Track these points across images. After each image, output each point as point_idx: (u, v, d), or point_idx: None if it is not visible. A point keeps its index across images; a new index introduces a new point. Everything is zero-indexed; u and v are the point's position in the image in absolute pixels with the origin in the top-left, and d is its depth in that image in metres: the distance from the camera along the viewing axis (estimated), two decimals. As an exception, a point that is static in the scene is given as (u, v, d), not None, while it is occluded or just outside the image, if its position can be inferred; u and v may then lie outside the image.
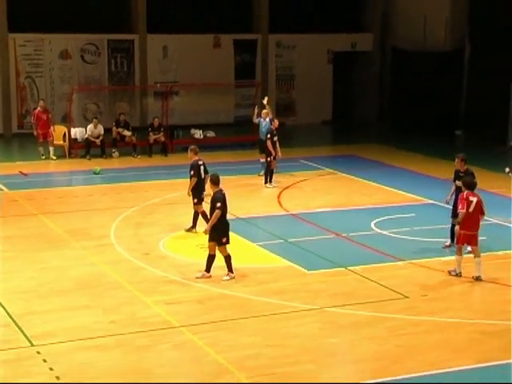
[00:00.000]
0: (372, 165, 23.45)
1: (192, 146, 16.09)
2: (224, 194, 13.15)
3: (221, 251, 13.11)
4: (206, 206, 14.77)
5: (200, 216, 15.67)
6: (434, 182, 21.00)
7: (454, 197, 14.63)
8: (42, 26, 27.51)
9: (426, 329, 11.30)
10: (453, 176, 14.88)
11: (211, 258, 13.13)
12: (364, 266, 13.97)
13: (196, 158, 15.68)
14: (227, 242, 13.09)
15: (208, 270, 13.16)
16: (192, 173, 15.48)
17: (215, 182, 13.26)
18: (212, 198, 13.22)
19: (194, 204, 15.68)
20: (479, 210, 13.22)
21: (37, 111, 24.18)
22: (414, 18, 29.70)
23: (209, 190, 14.00)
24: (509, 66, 26.19)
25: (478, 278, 13.12)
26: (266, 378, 9.68)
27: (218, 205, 12.93)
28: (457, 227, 13.40)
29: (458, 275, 13.24)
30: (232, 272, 13.18)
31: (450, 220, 14.73)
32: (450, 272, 13.40)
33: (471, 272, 13.33)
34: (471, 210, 13.13)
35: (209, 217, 13.58)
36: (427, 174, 21.98)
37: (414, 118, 29.32)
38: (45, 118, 23.92)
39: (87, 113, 28.05)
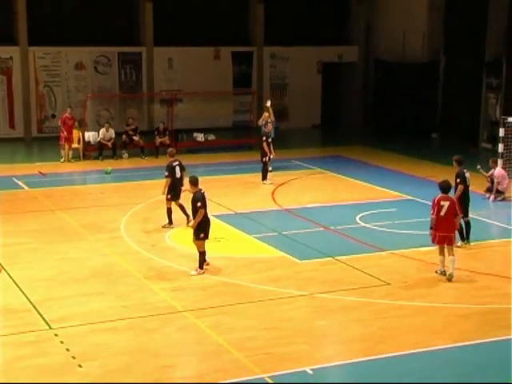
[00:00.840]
0: (357, 165, 23.40)
1: (168, 149, 16.34)
2: (203, 194, 12.83)
3: (197, 246, 12.82)
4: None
5: (166, 211, 15.66)
6: (412, 180, 20.99)
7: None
8: (59, 40, 27.43)
9: (407, 312, 11.29)
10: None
11: (202, 256, 12.86)
12: (350, 255, 13.94)
13: (172, 159, 15.66)
14: (205, 237, 12.77)
15: (201, 266, 12.87)
16: (166, 174, 15.39)
17: (194, 183, 12.96)
18: (192, 199, 12.94)
19: (167, 200, 15.60)
20: (452, 212, 12.71)
21: (64, 116, 24.05)
22: (395, 32, 29.64)
23: (187, 186, 13.72)
24: (479, 75, 26.18)
25: (449, 276, 12.62)
26: (263, 357, 9.66)
27: (199, 204, 12.65)
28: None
29: (443, 273, 12.77)
30: (201, 268, 12.81)
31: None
32: (436, 271, 12.91)
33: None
34: (443, 213, 12.61)
35: (191, 216, 13.31)
36: (407, 173, 21.94)
37: (395, 122, 29.29)
38: (70, 123, 23.77)
39: (100, 118, 27.92)
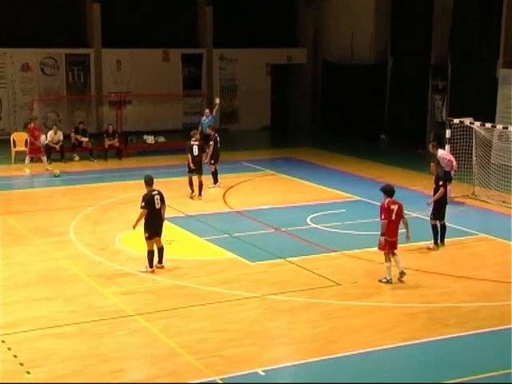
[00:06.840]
0: (307, 166, 23.56)
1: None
2: (152, 195, 12.78)
3: (147, 245, 12.93)
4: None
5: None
6: (360, 181, 21.21)
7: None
8: (4, 41, 26.97)
9: (356, 312, 11.40)
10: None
11: (150, 254, 12.92)
12: (301, 257, 14.02)
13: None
14: (149, 237, 12.79)
15: (150, 265, 12.96)
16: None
17: (147, 182, 12.97)
18: None
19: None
20: (399, 217, 12.54)
21: (32, 127, 22.92)
22: (343, 34, 29.98)
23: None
24: (426, 77, 26.61)
25: (402, 273, 12.62)
26: (214, 359, 9.65)
27: (142, 204, 12.73)
28: (382, 237, 12.43)
29: (389, 282, 12.55)
30: (151, 267, 12.91)
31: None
32: (380, 280, 12.59)
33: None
34: (394, 217, 12.44)
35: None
36: (355, 174, 22.17)
37: (343, 124, 29.60)
38: (37, 134, 23.03)
39: (47, 121, 27.53)
